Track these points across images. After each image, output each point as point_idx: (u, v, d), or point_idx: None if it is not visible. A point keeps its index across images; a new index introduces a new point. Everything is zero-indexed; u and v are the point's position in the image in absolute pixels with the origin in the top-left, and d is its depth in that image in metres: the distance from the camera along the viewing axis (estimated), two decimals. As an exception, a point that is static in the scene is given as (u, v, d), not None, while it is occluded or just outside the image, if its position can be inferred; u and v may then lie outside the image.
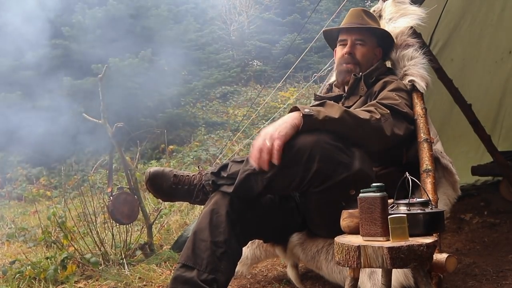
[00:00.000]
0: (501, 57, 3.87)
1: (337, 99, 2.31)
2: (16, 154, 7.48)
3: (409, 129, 2.05)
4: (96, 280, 2.83)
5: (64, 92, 7.19)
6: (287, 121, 1.76)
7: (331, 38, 2.48)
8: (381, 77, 2.24)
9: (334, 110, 1.79)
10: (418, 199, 1.53)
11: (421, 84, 2.19)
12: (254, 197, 1.90)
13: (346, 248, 1.41)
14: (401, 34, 2.37)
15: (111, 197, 2.72)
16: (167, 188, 2.00)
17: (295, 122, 1.75)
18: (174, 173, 2.02)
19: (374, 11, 2.56)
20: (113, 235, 3.16)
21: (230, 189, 1.87)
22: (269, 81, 10.57)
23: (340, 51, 2.35)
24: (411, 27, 2.40)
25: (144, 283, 2.71)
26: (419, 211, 1.47)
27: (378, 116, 1.87)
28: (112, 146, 2.98)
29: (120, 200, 2.75)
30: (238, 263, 1.98)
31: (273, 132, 1.72)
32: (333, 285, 2.14)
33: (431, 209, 1.50)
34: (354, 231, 1.54)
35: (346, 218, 1.58)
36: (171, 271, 2.81)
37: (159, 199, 2.44)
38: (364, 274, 1.80)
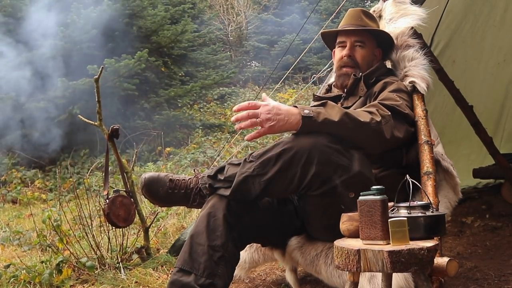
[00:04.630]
0: (503, 59, 3.85)
1: (336, 99, 2.29)
2: (10, 156, 7.44)
3: (409, 131, 2.04)
4: (92, 284, 2.81)
5: (59, 93, 7.15)
6: (288, 121, 1.74)
7: (329, 38, 2.45)
8: (381, 77, 2.22)
9: (334, 112, 1.78)
10: (419, 202, 1.52)
11: (421, 85, 2.17)
12: (252, 200, 1.88)
13: (346, 252, 1.40)
14: (401, 34, 2.35)
15: (107, 200, 2.68)
16: (163, 193, 1.96)
17: (294, 125, 1.75)
18: (170, 177, 1.99)
19: (374, 11, 2.54)
20: (109, 238, 3.14)
21: (227, 192, 1.86)
22: (268, 82, 10.53)
23: (339, 53, 2.32)
24: (412, 28, 2.38)
25: (141, 287, 2.69)
26: (419, 214, 1.46)
27: (378, 119, 1.86)
28: (108, 148, 2.95)
29: (116, 203, 2.71)
30: (236, 267, 1.96)
31: (270, 117, 1.73)
32: (333, 289, 2.11)
33: (432, 212, 1.49)
34: (354, 234, 1.54)
35: (346, 221, 1.58)
36: (168, 275, 2.78)
37: (156, 205, 2.41)
38: (364, 278, 1.79)
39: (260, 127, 1.74)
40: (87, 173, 5.85)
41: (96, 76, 3.02)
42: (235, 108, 1.78)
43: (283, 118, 1.74)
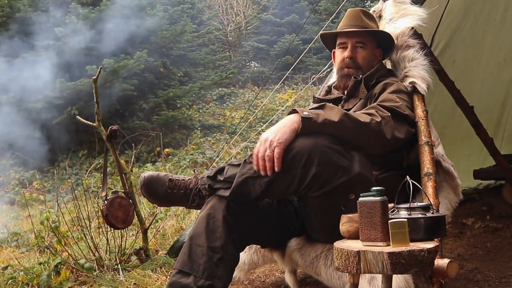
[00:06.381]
0: (504, 59, 3.83)
1: (336, 101, 2.28)
2: (8, 157, 7.43)
3: (410, 132, 2.03)
4: (91, 286, 2.80)
5: (57, 94, 7.13)
6: (286, 125, 1.74)
7: (329, 38, 2.44)
8: (381, 79, 2.21)
9: (333, 113, 1.77)
10: (419, 203, 1.51)
11: (422, 86, 2.16)
12: (252, 201, 1.87)
13: (346, 254, 1.40)
14: (401, 35, 2.34)
15: (105, 201, 2.67)
16: (162, 193, 1.96)
17: (294, 126, 1.75)
18: (169, 177, 1.98)
19: (374, 11, 2.53)
20: (107, 240, 3.12)
21: (226, 193, 1.85)
22: (267, 83, 10.54)
23: (340, 55, 2.31)
24: (412, 28, 2.37)
25: (139, 289, 2.68)
26: (420, 215, 1.46)
27: (378, 119, 1.85)
28: (106, 149, 2.94)
29: (115, 204, 2.70)
30: (236, 268, 1.96)
31: (272, 139, 1.73)
32: (332, 291, 2.10)
33: (432, 213, 1.48)
34: (354, 236, 1.53)
35: (346, 223, 1.57)
36: (167, 277, 2.77)
37: (155, 204, 2.40)
38: (364, 280, 1.78)
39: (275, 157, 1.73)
40: (86, 174, 5.85)
41: (95, 77, 3.01)
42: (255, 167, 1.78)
43: (281, 127, 1.74)
